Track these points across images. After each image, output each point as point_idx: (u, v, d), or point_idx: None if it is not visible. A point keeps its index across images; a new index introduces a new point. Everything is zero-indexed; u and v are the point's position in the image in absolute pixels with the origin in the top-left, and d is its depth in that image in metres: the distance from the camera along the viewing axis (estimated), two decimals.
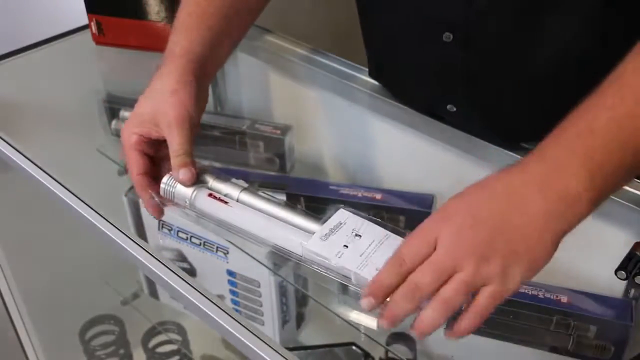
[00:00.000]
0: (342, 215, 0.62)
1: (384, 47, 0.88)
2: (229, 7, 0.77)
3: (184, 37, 0.73)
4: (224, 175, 0.68)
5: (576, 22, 0.70)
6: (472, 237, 0.52)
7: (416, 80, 0.85)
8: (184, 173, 0.66)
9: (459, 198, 0.55)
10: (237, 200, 0.67)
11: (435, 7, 0.74)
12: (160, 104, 0.68)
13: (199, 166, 0.69)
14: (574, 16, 0.70)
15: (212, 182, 0.68)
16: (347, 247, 0.59)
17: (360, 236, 0.60)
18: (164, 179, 0.68)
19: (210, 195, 0.66)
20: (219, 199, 0.66)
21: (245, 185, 0.68)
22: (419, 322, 0.53)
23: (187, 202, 0.67)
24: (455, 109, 0.82)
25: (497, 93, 0.79)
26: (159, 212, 0.69)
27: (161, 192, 0.68)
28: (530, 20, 0.71)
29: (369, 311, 0.54)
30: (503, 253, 0.51)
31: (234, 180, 0.68)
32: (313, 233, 0.61)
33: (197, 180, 0.68)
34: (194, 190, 0.67)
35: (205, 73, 0.73)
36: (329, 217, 0.62)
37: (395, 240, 0.59)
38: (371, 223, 0.62)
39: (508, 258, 0.51)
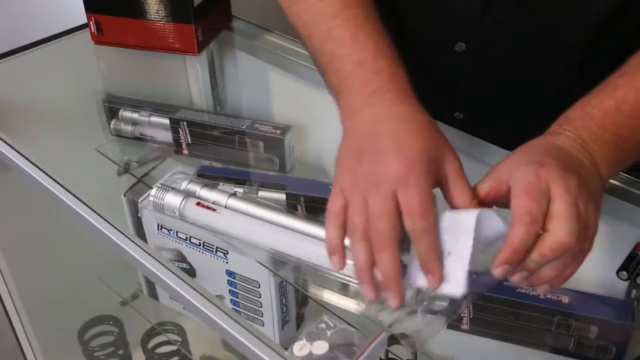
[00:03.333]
0: None
1: None
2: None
3: (386, 60, 0.64)
4: (212, 182, 0.69)
5: (588, 33, 0.71)
6: (576, 180, 0.53)
7: (424, 87, 0.85)
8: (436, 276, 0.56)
9: (533, 151, 0.56)
10: (225, 207, 0.67)
11: (450, 17, 0.74)
12: (439, 138, 0.59)
13: (187, 177, 0.69)
14: (586, 27, 0.70)
15: (199, 190, 0.68)
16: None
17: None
18: (152, 192, 0.68)
19: (198, 204, 0.67)
20: (207, 207, 0.66)
21: (232, 191, 0.68)
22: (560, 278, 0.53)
23: (177, 212, 0.67)
24: (462, 117, 0.82)
25: (505, 102, 0.79)
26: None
27: (151, 206, 0.68)
28: (542, 31, 0.71)
29: (505, 276, 0.52)
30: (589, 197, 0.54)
31: (221, 186, 0.68)
32: (302, 233, 0.62)
33: (184, 191, 0.68)
34: (182, 200, 0.67)
35: None
36: None
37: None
38: None
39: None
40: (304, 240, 0.64)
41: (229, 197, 0.68)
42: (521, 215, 0.51)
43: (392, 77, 0.62)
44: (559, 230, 0.51)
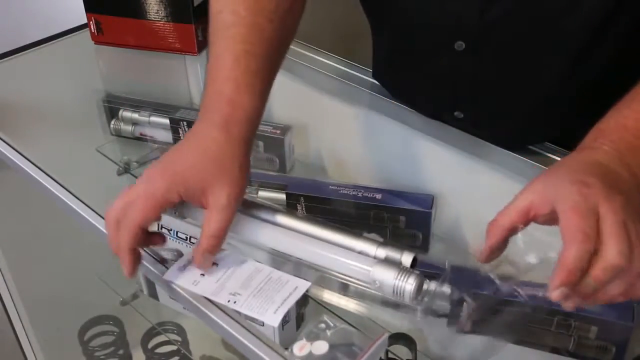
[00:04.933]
0: None
1: (393, 52, 0.88)
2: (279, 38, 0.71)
3: (246, 95, 0.65)
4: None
5: (587, 32, 0.70)
6: (622, 200, 0.52)
7: (424, 86, 0.85)
8: (207, 259, 0.63)
9: (574, 169, 0.55)
10: None
11: (449, 16, 0.74)
12: (223, 175, 0.62)
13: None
14: (585, 26, 0.70)
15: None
16: (203, 275, 0.64)
17: (217, 264, 0.65)
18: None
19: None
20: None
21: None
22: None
23: (176, 212, 0.68)
24: (462, 116, 0.82)
25: (505, 100, 0.79)
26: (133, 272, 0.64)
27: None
28: (542, 30, 0.71)
29: (562, 301, 0.52)
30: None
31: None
32: (303, 233, 0.62)
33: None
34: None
35: (255, 133, 0.67)
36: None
37: (252, 265, 0.64)
38: (232, 253, 0.66)
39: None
40: (304, 240, 0.64)
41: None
42: (574, 233, 0.50)
43: (228, 102, 0.65)
44: (610, 250, 0.50)
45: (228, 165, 0.62)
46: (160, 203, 0.61)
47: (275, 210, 0.67)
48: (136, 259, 0.63)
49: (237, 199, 0.63)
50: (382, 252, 0.61)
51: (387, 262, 0.62)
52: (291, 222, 0.66)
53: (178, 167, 0.63)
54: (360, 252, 0.62)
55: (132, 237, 0.61)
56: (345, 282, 0.61)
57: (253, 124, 0.66)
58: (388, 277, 0.60)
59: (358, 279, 0.60)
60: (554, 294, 0.51)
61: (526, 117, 0.80)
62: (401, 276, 0.60)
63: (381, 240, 0.62)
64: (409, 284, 0.60)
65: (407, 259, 0.62)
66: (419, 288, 0.60)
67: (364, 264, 0.61)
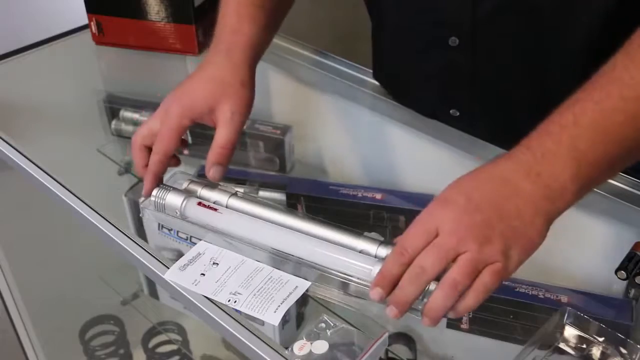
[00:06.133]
0: (201, 246, 0.67)
1: (390, 51, 0.88)
2: None
3: (251, 27, 0.74)
4: (213, 182, 0.70)
5: (583, 26, 0.70)
6: (472, 219, 0.53)
7: (420, 84, 0.85)
8: (217, 171, 0.68)
9: (454, 186, 0.57)
10: (227, 206, 0.67)
11: (442, 12, 0.74)
12: (225, 93, 0.69)
13: (188, 177, 0.70)
14: (581, 20, 0.70)
15: (200, 190, 0.69)
16: (204, 275, 0.64)
17: (217, 264, 0.65)
18: (154, 192, 0.69)
19: (199, 204, 0.67)
20: (209, 207, 0.67)
21: (234, 190, 0.69)
22: (428, 308, 0.54)
23: (178, 212, 0.68)
24: (458, 114, 0.82)
25: (501, 97, 0.79)
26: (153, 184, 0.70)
27: (152, 206, 0.69)
28: (535, 24, 0.71)
29: (379, 301, 0.56)
30: (503, 234, 0.53)
31: (221, 186, 0.70)
32: (303, 232, 0.63)
33: (185, 191, 0.69)
34: (184, 200, 0.68)
35: (258, 58, 0.75)
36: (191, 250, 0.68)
37: (252, 265, 0.65)
38: (229, 251, 0.66)
39: (508, 239, 0.53)
40: (305, 239, 0.64)
41: (230, 196, 0.68)
42: (397, 246, 0.56)
43: (231, 31, 0.74)
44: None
45: (231, 84, 0.70)
46: (177, 131, 0.69)
47: (276, 209, 0.67)
48: (157, 181, 0.70)
49: (242, 112, 0.69)
50: (383, 251, 0.61)
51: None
52: (291, 221, 0.66)
53: (188, 94, 0.70)
54: (361, 251, 0.62)
55: (157, 165, 0.69)
56: (346, 281, 0.61)
57: (254, 50, 0.74)
58: None
59: (359, 278, 0.60)
60: (371, 294, 0.56)
61: (523, 114, 0.80)
62: None
63: (382, 239, 0.62)
64: None
65: None
66: None
67: (365, 262, 0.61)
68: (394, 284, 0.55)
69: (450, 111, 0.82)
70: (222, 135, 0.69)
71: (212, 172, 0.68)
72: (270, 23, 0.77)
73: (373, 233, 0.65)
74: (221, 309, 0.62)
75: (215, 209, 0.67)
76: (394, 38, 0.86)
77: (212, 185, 0.70)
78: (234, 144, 0.69)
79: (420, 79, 0.85)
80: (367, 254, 0.62)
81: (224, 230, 0.67)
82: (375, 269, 0.60)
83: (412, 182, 0.90)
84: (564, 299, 0.69)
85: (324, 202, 0.85)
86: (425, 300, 0.55)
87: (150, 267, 0.67)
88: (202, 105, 0.69)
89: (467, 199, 0.54)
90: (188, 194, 0.69)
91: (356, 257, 0.62)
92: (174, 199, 0.68)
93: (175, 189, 0.70)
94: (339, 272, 0.62)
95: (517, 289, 0.71)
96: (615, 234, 0.74)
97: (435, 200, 0.57)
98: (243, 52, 0.72)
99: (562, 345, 0.67)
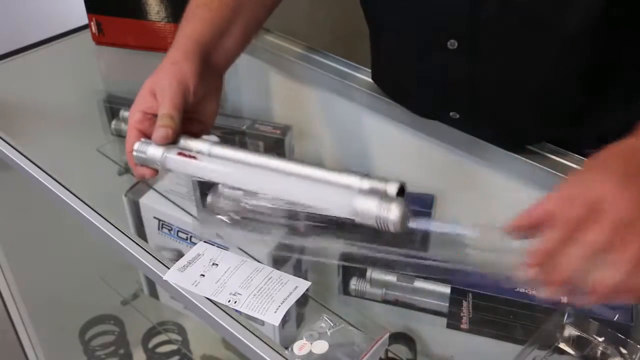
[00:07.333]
0: (200, 247, 0.68)
1: (388, 54, 0.88)
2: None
3: (191, 24, 0.74)
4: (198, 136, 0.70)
5: (582, 28, 0.70)
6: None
7: (420, 87, 0.85)
8: (159, 132, 0.66)
9: (603, 154, 0.53)
10: (209, 155, 0.67)
11: (440, 15, 0.74)
12: (159, 75, 0.70)
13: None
14: (580, 22, 0.70)
15: (182, 141, 0.68)
16: (203, 275, 0.64)
17: (216, 265, 0.65)
18: (135, 146, 0.68)
19: (179, 153, 0.66)
20: (188, 156, 0.66)
21: (216, 139, 0.68)
22: (599, 283, 0.49)
23: (159, 164, 0.67)
24: (458, 116, 0.82)
25: (501, 100, 0.79)
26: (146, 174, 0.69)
27: (134, 160, 0.69)
28: (535, 27, 0.71)
29: (534, 279, 0.51)
30: None
31: (204, 136, 0.69)
32: (291, 174, 0.62)
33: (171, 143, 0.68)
34: (164, 152, 0.66)
35: (212, 58, 0.74)
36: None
37: (252, 265, 0.65)
38: (228, 252, 0.67)
39: None
40: (282, 178, 0.62)
41: (211, 145, 0.67)
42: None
43: (180, 30, 0.74)
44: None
45: (172, 64, 0.70)
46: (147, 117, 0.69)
47: (259, 154, 0.66)
48: (139, 137, 0.69)
49: (180, 81, 0.68)
50: (366, 184, 0.58)
51: (371, 192, 0.58)
52: (274, 163, 0.64)
53: (148, 85, 0.71)
54: (344, 186, 0.59)
55: (139, 122, 0.68)
56: (326, 216, 0.59)
57: (199, 41, 0.73)
58: (370, 207, 0.57)
59: (341, 214, 0.58)
60: (528, 274, 0.51)
61: (523, 116, 0.80)
62: (383, 205, 0.56)
63: (366, 173, 0.60)
64: (392, 213, 0.56)
65: (392, 188, 0.59)
66: (403, 215, 0.57)
67: (345, 196, 0.58)
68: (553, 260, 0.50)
69: (450, 114, 0.82)
70: (162, 104, 0.68)
71: (157, 135, 0.67)
72: (214, 16, 0.76)
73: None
74: (221, 309, 0.62)
75: (194, 157, 0.66)
76: (391, 42, 0.86)
77: (195, 137, 0.69)
78: (178, 111, 0.68)
79: (419, 82, 0.85)
80: (351, 187, 0.59)
81: (204, 176, 0.65)
82: (355, 200, 0.57)
83: (411, 182, 0.90)
84: (564, 299, 0.69)
85: None
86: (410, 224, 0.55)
87: (150, 267, 0.67)
88: (152, 94, 0.70)
89: (626, 163, 0.51)
90: (168, 145, 0.68)
91: (336, 192, 0.59)
92: (155, 150, 0.67)
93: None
94: (319, 208, 0.59)
95: (518, 289, 0.71)
96: None
97: (588, 167, 0.53)
98: (189, 43, 0.73)
99: (562, 345, 0.67)
